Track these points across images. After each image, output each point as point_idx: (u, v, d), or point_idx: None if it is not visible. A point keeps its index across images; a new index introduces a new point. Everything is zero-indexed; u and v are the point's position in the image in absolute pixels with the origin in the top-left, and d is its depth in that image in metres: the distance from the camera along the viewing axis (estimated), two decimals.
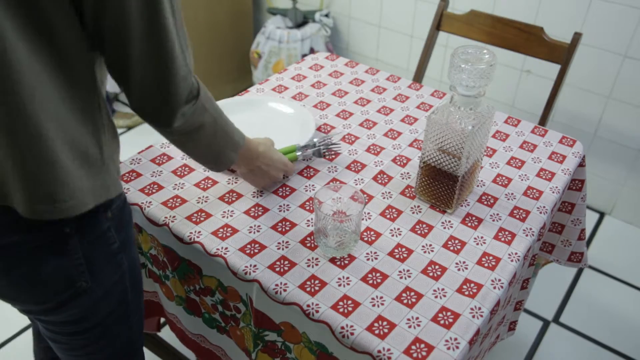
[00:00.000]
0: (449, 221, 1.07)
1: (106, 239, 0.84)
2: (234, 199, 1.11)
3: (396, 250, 1.00)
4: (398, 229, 1.05)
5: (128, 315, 0.96)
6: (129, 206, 0.93)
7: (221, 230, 1.03)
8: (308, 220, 1.06)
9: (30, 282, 0.80)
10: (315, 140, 1.23)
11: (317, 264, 0.97)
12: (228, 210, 1.08)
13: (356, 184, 1.15)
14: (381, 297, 0.92)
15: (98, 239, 0.83)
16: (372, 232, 1.04)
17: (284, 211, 1.08)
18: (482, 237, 1.03)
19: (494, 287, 0.94)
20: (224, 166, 0.98)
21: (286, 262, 0.97)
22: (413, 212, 1.08)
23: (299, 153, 1.19)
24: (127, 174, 1.16)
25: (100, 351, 0.96)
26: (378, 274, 0.96)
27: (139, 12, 0.71)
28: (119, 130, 2.70)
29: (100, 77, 0.79)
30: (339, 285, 0.93)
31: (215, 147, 0.94)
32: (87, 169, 0.76)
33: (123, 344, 1.00)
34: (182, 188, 1.13)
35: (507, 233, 1.04)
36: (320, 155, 1.21)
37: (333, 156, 1.23)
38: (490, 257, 0.99)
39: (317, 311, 0.89)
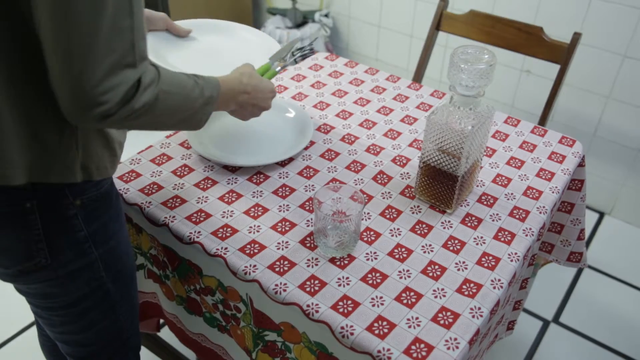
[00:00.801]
0: (449, 221, 1.07)
1: (71, 225, 0.85)
2: (233, 199, 1.11)
3: (396, 250, 1.00)
4: (398, 229, 1.05)
5: (112, 305, 0.98)
6: (118, 206, 0.94)
7: (221, 230, 1.03)
8: (308, 220, 1.06)
9: None
10: (283, 49, 1.17)
11: (317, 264, 0.97)
12: (228, 210, 1.08)
13: (356, 184, 1.15)
14: (381, 297, 0.92)
15: (61, 222, 0.84)
16: (372, 232, 1.04)
17: (284, 211, 1.08)
18: (481, 237, 1.03)
19: (494, 287, 0.94)
20: (201, 125, 0.90)
21: (286, 262, 0.97)
22: (413, 212, 1.09)
23: (277, 69, 1.14)
24: (127, 174, 1.16)
25: (80, 332, 0.98)
26: (378, 274, 0.96)
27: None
28: None
29: None
30: (339, 285, 0.93)
31: (179, 115, 0.84)
32: (34, 148, 0.77)
33: (108, 333, 1.01)
34: (182, 188, 1.13)
35: (506, 233, 1.04)
36: (295, 62, 1.20)
37: (308, 57, 1.19)
38: (490, 257, 0.99)
39: (317, 311, 0.89)
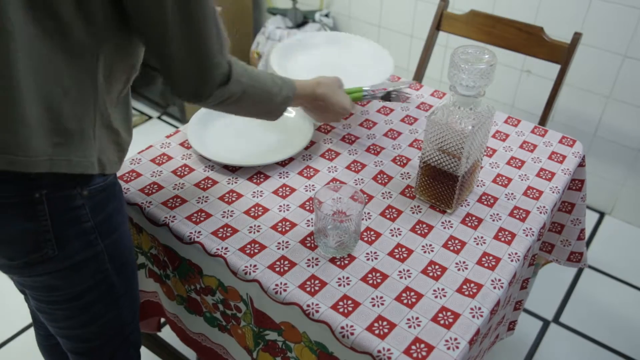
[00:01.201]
0: (449, 221, 1.07)
1: (78, 215, 0.86)
2: (234, 199, 1.11)
3: (396, 250, 1.00)
4: (398, 229, 1.05)
5: (115, 299, 0.98)
6: (121, 198, 0.95)
7: (221, 230, 1.03)
8: (308, 220, 1.06)
9: (0, 237, 0.83)
10: (383, 85, 1.27)
11: (317, 264, 0.97)
12: (228, 210, 1.08)
13: (356, 184, 1.15)
14: (381, 297, 0.92)
15: (69, 212, 0.84)
16: (372, 232, 1.04)
17: (284, 211, 1.08)
18: (482, 237, 1.03)
19: (494, 287, 0.94)
20: (278, 117, 1.08)
21: (286, 262, 0.97)
22: (413, 212, 1.09)
23: (365, 94, 1.23)
24: (127, 174, 1.16)
25: (83, 327, 0.98)
26: (378, 274, 0.96)
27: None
28: None
29: (104, 69, 0.82)
30: (339, 285, 0.94)
31: (261, 107, 1.02)
32: (55, 137, 0.79)
33: (111, 328, 1.02)
34: (182, 188, 1.13)
35: (507, 233, 1.04)
36: (388, 99, 1.26)
37: (401, 102, 1.28)
38: (490, 257, 0.99)
39: (317, 311, 0.89)
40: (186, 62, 0.85)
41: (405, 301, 0.91)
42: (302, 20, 2.61)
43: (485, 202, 1.11)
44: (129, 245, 0.99)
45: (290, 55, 1.44)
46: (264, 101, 1.01)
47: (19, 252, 0.85)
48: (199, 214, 1.07)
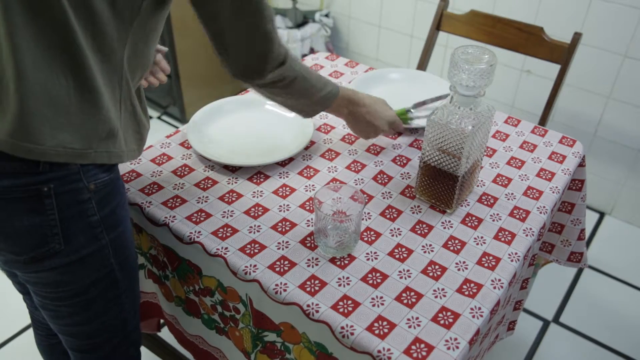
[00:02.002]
0: (449, 221, 1.07)
1: (85, 209, 0.86)
2: (234, 199, 1.11)
3: (396, 250, 1.00)
4: (398, 229, 1.05)
5: (119, 294, 0.99)
6: (124, 193, 0.96)
7: (221, 230, 1.03)
8: (308, 220, 1.06)
9: (6, 231, 0.84)
10: (427, 100, 1.32)
11: (317, 264, 0.97)
12: (228, 210, 1.08)
13: (356, 184, 1.15)
14: (381, 297, 0.92)
15: (76, 206, 0.85)
16: (372, 232, 1.04)
17: (284, 211, 1.08)
18: (482, 237, 1.03)
19: (494, 287, 0.94)
20: (313, 114, 1.12)
21: (286, 262, 0.97)
22: (413, 212, 1.08)
23: (411, 115, 1.28)
24: (127, 174, 1.16)
25: (86, 323, 0.99)
26: (378, 274, 0.96)
27: None
28: None
29: (129, 55, 0.85)
30: (339, 285, 0.93)
31: (304, 98, 1.06)
32: (68, 123, 0.80)
33: (113, 325, 1.02)
34: (182, 188, 1.13)
35: (507, 233, 1.04)
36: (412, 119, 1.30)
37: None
38: (490, 257, 0.99)
39: (317, 311, 0.89)
40: (251, 39, 0.91)
41: (405, 301, 0.91)
42: (302, 20, 2.61)
43: (485, 202, 1.11)
44: (131, 240, 1.00)
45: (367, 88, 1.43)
46: (309, 92, 1.05)
47: (26, 246, 0.85)
48: (199, 214, 1.07)
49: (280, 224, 1.05)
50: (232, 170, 1.18)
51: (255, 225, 1.04)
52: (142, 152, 0.98)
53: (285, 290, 0.92)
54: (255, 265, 0.96)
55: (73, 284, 0.92)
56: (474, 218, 1.08)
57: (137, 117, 0.93)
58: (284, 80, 0.99)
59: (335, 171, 1.19)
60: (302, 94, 1.05)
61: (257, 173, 1.17)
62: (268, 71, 0.96)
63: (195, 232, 1.02)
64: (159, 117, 2.76)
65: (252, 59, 0.95)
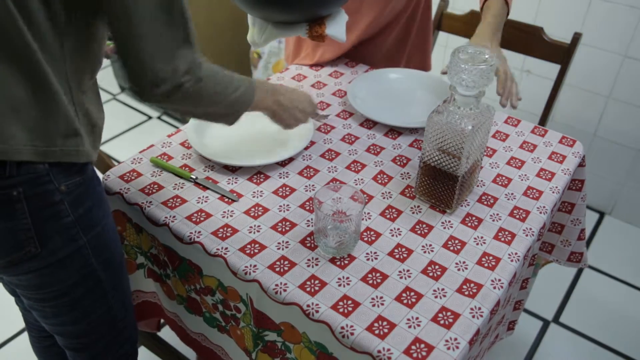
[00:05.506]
0: (449, 221, 1.07)
1: (58, 210, 0.86)
2: (234, 198, 1.11)
3: (396, 250, 1.00)
4: (398, 229, 1.05)
5: (104, 294, 0.98)
6: (100, 192, 0.95)
7: (221, 230, 1.03)
8: (308, 220, 1.06)
9: None
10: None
11: (317, 264, 0.97)
12: (228, 210, 1.08)
13: (356, 184, 1.15)
14: (381, 297, 0.92)
15: (48, 208, 0.85)
16: (372, 232, 1.04)
17: (284, 211, 1.08)
18: (482, 237, 1.03)
19: (494, 287, 0.94)
20: (236, 118, 1.02)
21: (286, 262, 0.97)
22: (413, 212, 1.09)
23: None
24: (127, 174, 1.16)
25: (74, 323, 0.99)
26: (378, 274, 0.96)
27: None
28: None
29: (71, 59, 0.84)
30: (339, 285, 0.94)
31: (219, 102, 0.96)
32: (27, 120, 0.80)
33: (102, 323, 1.02)
34: (182, 188, 1.13)
35: (507, 233, 1.04)
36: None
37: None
38: (490, 257, 0.99)
39: (317, 311, 0.89)
40: (125, 59, 0.83)
41: (405, 301, 0.91)
42: None
43: (485, 202, 1.11)
44: (114, 239, 0.99)
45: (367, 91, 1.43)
46: (224, 92, 0.95)
47: (2, 251, 0.85)
48: (199, 213, 1.07)
49: (280, 224, 1.05)
50: (232, 170, 1.18)
51: (255, 225, 1.05)
52: (98, 150, 0.96)
53: (285, 290, 0.92)
54: (255, 265, 0.96)
55: (54, 286, 0.92)
56: (474, 218, 1.08)
57: (91, 118, 0.91)
58: (188, 82, 0.87)
59: (335, 171, 1.19)
60: (215, 97, 0.94)
61: (257, 173, 1.17)
62: (172, 80, 0.86)
63: (195, 232, 1.02)
64: (159, 117, 2.77)
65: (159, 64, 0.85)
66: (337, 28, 1.20)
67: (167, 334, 1.43)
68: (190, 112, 0.97)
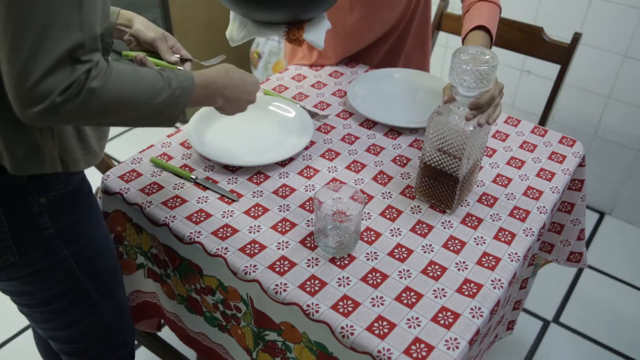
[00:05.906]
0: (449, 221, 1.07)
1: (37, 223, 0.85)
2: (234, 199, 1.11)
3: (396, 250, 1.00)
4: (398, 229, 1.05)
5: (92, 304, 0.98)
6: (90, 203, 0.93)
7: (221, 230, 1.03)
8: (308, 220, 1.06)
9: None
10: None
11: (317, 264, 0.97)
12: (228, 210, 1.08)
13: (356, 184, 1.15)
14: (381, 297, 0.92)
15: (26, 221, 0.84)
16: (372, 232, 1.04)
17: (284, 211, 1.08)
18: (482, 237, 1.03)
19: (494, 287, 0.94)
20: (177, 117, 0.86)
21: (286, 262, 0.97)
22: (413, 212, 1.09)
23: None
24: (127, 174, 1.16)
25: (64, 329, 0.99)
26: (378, 274, 0.96)
27: None
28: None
29: None
30: (339, 285, 0.94)
31: (144, 106, 0.80)
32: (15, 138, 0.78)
33: (94, 331, 1.02)
34: (182, 188, 1.13)
35: (507, 233, 1.04)
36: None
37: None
38: (490, 257, 0.99)
39: (317, 311, 0.89)
40: (5, 75, 0.69)
41: (405, 301, 0.91)
42: None
43: (485, 202, 1.11)
44: (104, 249, 0.97)
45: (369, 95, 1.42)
46: (140, 98, 0.78)
47: None
48: (199, 214, 1.07)
49: (280, 224, 1.05)
50: (232, 170, 1.18)
51: (255, 225, 1.05)
52: (99, 158, 0.91)
53: (285, 290, 0.92)
54: (255, 265, 0.96)
55: (36, 294, 0.91)
56: (474, 218, 1.08)
57: (67, 128, 0.86)
58: (89, 101, 0.72)
59: (335, 171, 1.19)
60: (134, 102, 0.78)
61: (257, 173, 1.17)
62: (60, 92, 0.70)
63: (195, 232, 1.02)
64: None
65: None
66: (317, 34, 1.18)
67: (167, 334, 1.43)
68: (102, 123, 0.81)
